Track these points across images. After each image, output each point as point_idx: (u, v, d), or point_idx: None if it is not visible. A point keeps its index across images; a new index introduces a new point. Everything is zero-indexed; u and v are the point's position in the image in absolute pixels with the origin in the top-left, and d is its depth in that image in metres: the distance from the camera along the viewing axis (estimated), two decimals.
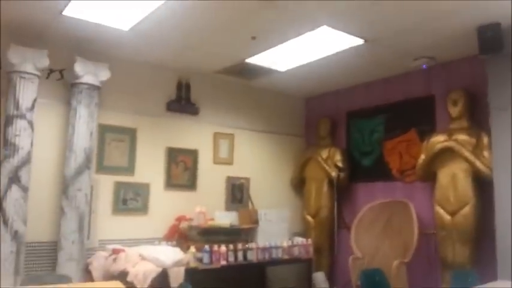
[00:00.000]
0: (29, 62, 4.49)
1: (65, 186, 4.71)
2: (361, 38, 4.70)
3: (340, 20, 4.31)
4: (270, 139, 6.69)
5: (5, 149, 4.37)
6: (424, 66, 5.42)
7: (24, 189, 4.38)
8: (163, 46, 5.05)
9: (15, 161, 4.34)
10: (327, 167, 6.23)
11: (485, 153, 4.71)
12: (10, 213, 4.26)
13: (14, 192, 4.30)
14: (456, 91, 5.07)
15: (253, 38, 4.75)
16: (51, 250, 4.71)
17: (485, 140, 4.75)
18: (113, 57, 5.18)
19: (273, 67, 5.65)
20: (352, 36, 4.67)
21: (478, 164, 4.71)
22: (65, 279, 3.88)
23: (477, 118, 4.97)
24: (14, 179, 4.32)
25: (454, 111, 5.04)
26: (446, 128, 5.13)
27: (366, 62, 5.45)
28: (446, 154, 4.94)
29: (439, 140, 5.06)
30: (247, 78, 6.21)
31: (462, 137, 4.91)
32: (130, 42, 4.91)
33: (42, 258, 4.70)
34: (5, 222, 4.24)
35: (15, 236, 4.26)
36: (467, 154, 4.77)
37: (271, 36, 4.72)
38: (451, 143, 4.90)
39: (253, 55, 5.28)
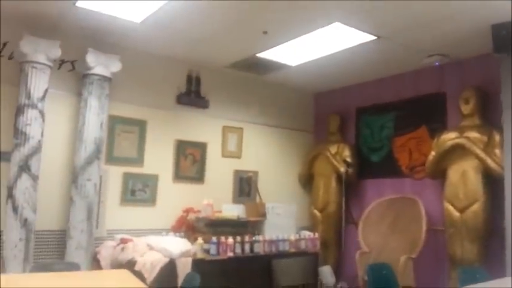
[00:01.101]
0: (41, 53, 4.54)
1: (74, 176, 4.75)
2: (374, 35, 4.69)
3: (353, 16, 4.29)
4: (278, 134, 6.71)
5: (15, 137, 4.41)
6: (437, 63, 5.39)
7: (34, 178, 4.42)
8: (174, 39, 5.07)
9: (25, 149, 4.39)
10: (336, 163, 6.24)
11: (497, 151, 4.69)
12: (20, 201, 4.31)
13: (24, 180, 4.35)
14: (468, 89, 5.04)
15: (265, 32, 4.75)
16: (60, 238, 4.76)
17: (496, 137, 4.73)
18: (125, 49, 5.21)
19: (284, 62, 5.65)
20: (364, 33, 4.65)
21: (489, 161, 4.68)
22: (74, 267, 3.91)
23: (489, 116, 4.95)
24: (24, 167, 4.36)
25: (466, 108, 5.02)
26: (458, 126, 5.11)
27: (378, 59, 5.42)
28: (457, 151, 4.92)
29: (450, 137, 5.05)
30: (257, 73, 6.22)
31: (473, 134, 4.88)
32: (142, 35, 4.93)
33: (51, 246, 4.76)
34: (15, 210, 4.28)
35: (25, 223, 4.31)
36: (479, 151, 4.75)
37: (282, 31, 4.72)
38: (462, 140, 4.88)
39: (264, 50, 5.28)
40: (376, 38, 4.74)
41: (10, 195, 4.32)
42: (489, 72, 4.96)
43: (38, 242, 4.57)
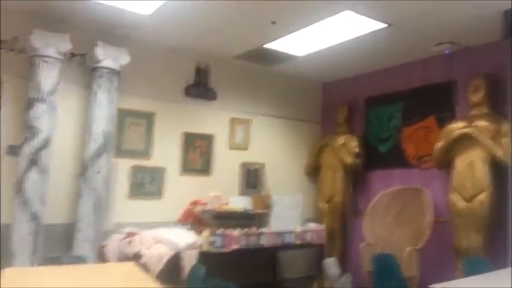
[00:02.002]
0: (51, 46, 4.60)
1: (83, 169, 4.82)
2: (384, 22, 4.64)
3: (363, 4, 4.25)
4: (286, 125, 6.71)
5: (25, 131, 4.49)
6: (447, 51, 5.31)
7: (44, 172, 4.50)
8: (182, 31, 5.09)
9: (35, 143, 4.46)
10: (342, 154, 6.23)
11: (505, 141, 4.62)
12: (29, 194, 4.39)
13: (34, 174, 4.43)
14: (478, 77, 4.98)
15: (273, 23, 4.73)
16: (69, 232, 4.82)
17: (505, 127, 4.66)
18: (133, 41, 5.25)
19: (291, 52, 5.63)
20: (374, 21, 4.61)
21: (497, 151, 4.62)
22: (81, 260, 4.01)
23: (499, 105, 4.88)
24: (34, 161, 4.44)
25: (475, 97, 4.96)
26: (466, 115, 5.05)
27: (387, 47, 5.37)
28: (465, 141, 4.88)
29: (457, 127, 5.00)
30: (265, 64, 6.21)
31: (482, 123, 4.83)
32: (150, 27, 4.97)
33: (59, 240, 4.83)
34: (24, 203, 4.37)
35: (34, 217, 4.39)
36: (486, 141, 4.70)
37: (291, 21, 4.69)
38: (469, 130, 4.84)
39: (273, 40, 5.26)
40: (386, 25, 4.68)
41: (19, 189, 4.40)
42: (500, 60, 4.86)
43: (46, 235, 4.63)
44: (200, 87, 5.90)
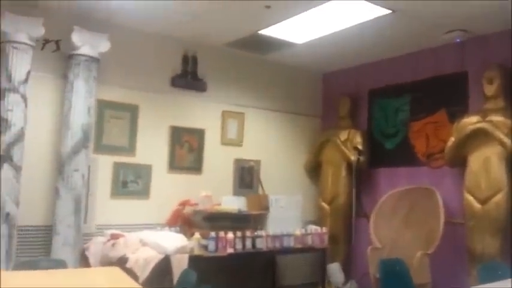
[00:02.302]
0: (23, 32, 4.55)
1: (60, 166, 4.79)
2: (388, 8, 4.65)
3: None
4: (283, 119, 6.74)
5: None
6: (458, 39, 5.36)
7: (17, 169, 4.46)
8: (168, 15, 5.05)
9: (7, 138, 4.42)
10: (346, 150, 6.27)
11: None
12: (1, 194, 4.34)
13: (6, 171, 4.39)
14: (492, 68, 5.01)
15: (268, 7, 4.73)
16: (46, 234, 4.80)
17: None
18: (113, 26, 5.21)
19: (289, 39, 5.64)
20: (378, 7, 4.62)
21: None
22: (60, 264, 3.98)
23: None
24: (6, 157, 4.40)
25: (490, 89, 5.00)
26: (480, 109, 5.09)
27: (392, 35, 5.40)
28: (479, 137, 4.91)
29: (471, 121, 5.04)
30: (259, 52, 6.22)
31: (497, 118, 4.86)
32: (132, 11, 4.92)
33: (35, 243, 4.79)
34: None
35: (7, 218, 4.35)
36: (502, 136, 4.74)
37: (287, 5, 4.69)
38: (484, 125, 4.87)
39: (268, 26, 5.26)
40: (390, 12, 4.70)
41: None
42: None
43: (21, 239, 4.61)
44: (188, 78, 5.89)
